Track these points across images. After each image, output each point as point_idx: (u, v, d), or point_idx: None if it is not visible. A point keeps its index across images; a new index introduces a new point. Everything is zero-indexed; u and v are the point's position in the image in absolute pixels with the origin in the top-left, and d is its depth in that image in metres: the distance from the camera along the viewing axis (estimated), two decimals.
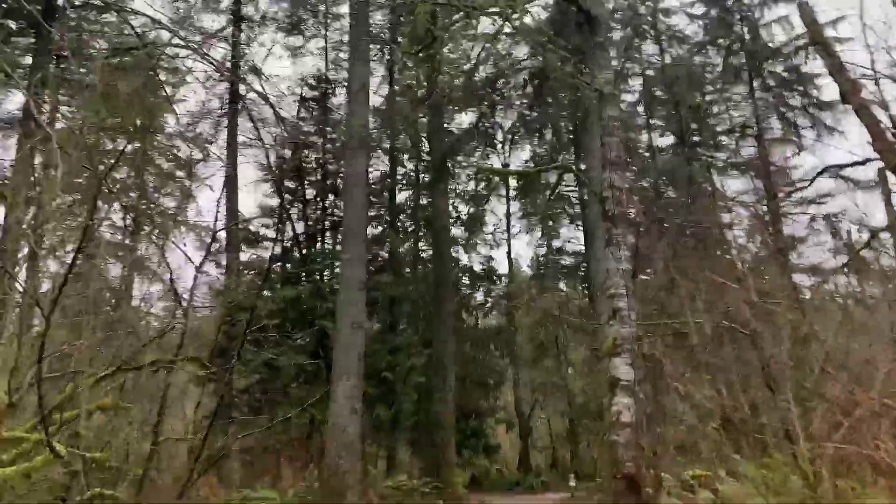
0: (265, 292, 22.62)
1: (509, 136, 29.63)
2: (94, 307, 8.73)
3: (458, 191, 30.59)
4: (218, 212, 20.80)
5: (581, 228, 34.14)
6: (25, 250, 10.93)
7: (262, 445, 16.64)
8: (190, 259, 11.17)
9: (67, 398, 6.75)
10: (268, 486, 12.31)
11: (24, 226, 10.61)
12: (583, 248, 35.40)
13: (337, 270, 21.75)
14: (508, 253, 36.57)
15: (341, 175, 22.83)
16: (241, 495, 10.96)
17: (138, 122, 21.54)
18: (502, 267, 37.08)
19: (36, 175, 16.81)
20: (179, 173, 24.13)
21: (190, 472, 10.23)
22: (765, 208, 21.84)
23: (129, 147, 22.55)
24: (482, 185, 30.84)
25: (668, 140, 29.67)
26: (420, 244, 28.89)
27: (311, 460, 14.51)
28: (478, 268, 35.90)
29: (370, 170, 20.17)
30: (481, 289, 37.26)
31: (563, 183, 29.67)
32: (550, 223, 33.42)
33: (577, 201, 32.73)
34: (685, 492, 7.13)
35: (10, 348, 6.72)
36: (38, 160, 17.12)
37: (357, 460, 12.86)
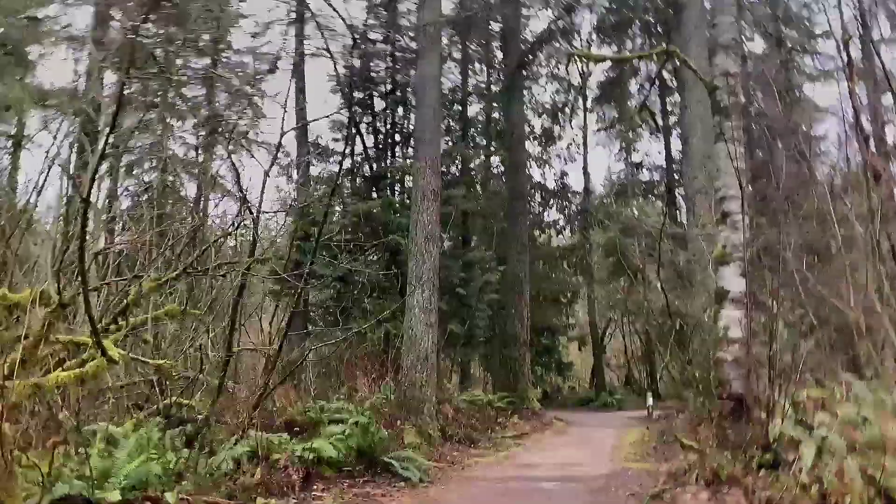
0: (336, 207, 22.42)
1: (589, 41, 27.70)
2: (158, 216, 8.41)
3: (532, 102, 29.22)
4: (285, 120, 20.32)
5: (661, 139, 32.45)
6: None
7: (337, 358, 16.64)
8: (260, 164, 10.68)
9: (132, 302, 6.47)
10: (343, 398, 12.16)
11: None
12: (663, 163, 33.87)
13: (408, 184, 21.18)
14: (585, 168, 35.18)
15: (410, 87, 21.92)
16: (317, 406, 10.79)
17: (207, 36, 21.14)
18: (576, 184, 35.82)
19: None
20: (248, 89, 23.72)
21: (265, 383, 10.08)
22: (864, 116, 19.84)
23: (198, 62, 22.28)
24: (560, 94, 29.32)
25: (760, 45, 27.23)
26: (492, 159, 27.91)
27: (387, 374, 14.33)
28: (551, 185, 34.90)
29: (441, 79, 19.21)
30: (554, 206, 36.29)
31: (645, 91, 27.91)
32: (631, 133, 31.64)
33: (660, 111, 30.98)
34: (800, 414, 6.35)
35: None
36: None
37: (433, 373, 12.57)
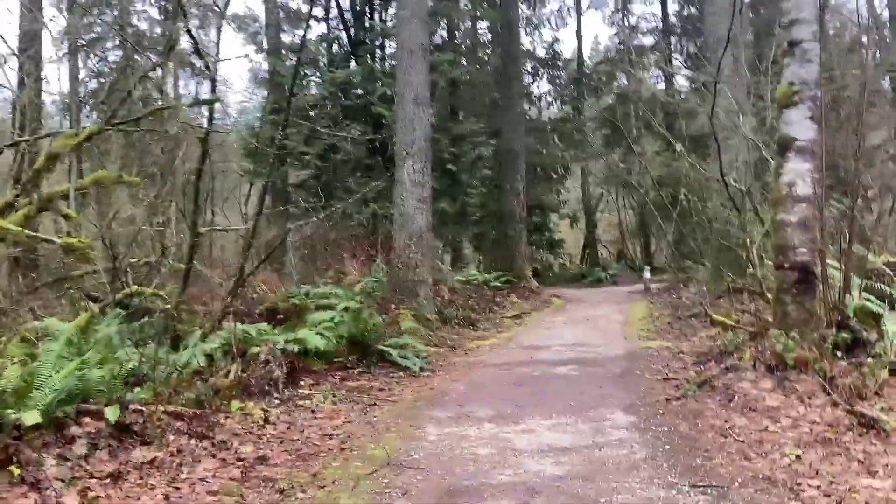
0: (312, 77, 20.61)
1: None
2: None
3: None
4: None
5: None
6: None
7: (322, 241, 15.55)
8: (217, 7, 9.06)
9: (43, 167, 5.15)
10: (332, 282, 11.11)
11: None
12: (660, 24, 31.66)
13: (390, 48, 19.34)
14: (578, 30, 32.99)
15: None
16: (302, 291, 9.75)
17: None
18: (567, 52, 33.71)
19: None
20: None
21: (241, 266, 8.97)
22: None
23: None
24: None
25: None
26: (479, 24, 25.70)
27: (377, 255, 13.26)
28: (541, 52, 32.79)
29: None
30: (545, 76, 34.36)
31: None
32: None
33: None
34: (877, 283, 5.31)
35: None
36: None
37: (427, 252, 11.47)
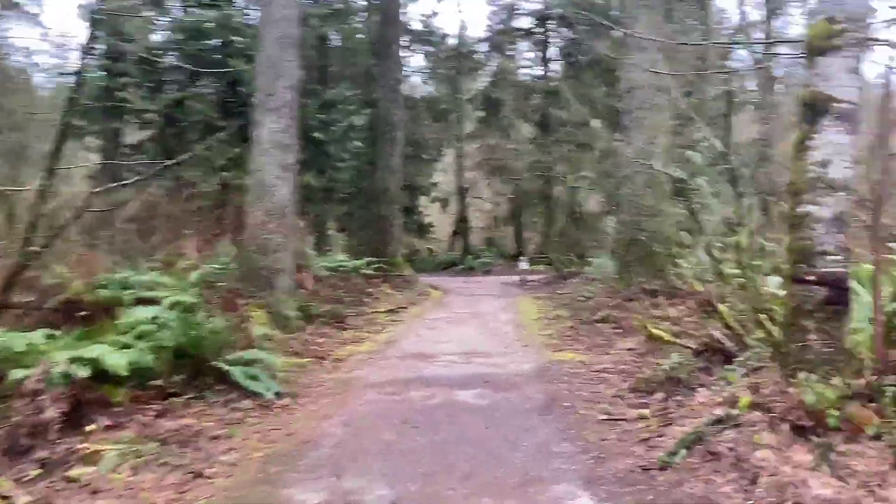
0: (160, 20, 17.47)
1: None
2: None
3: None
4: None
5: None
6: None
7: (161, 214, 12.83)
8: None
9: None
10: (161, 267, 8.61)
11: None
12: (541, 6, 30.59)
13: None
14: (458, 6, 31.38)
15: None
16: (117, 279, 7.28)
17: None
18: (447, 27, 32.12)
19: None
20: None
21: (25, 240, 6.46)
22: None
23: None
24: None
25: None
26: None
27: (224, 234, 10.86)
28: (417, 26, 30.94)
29: None
30: (419, 52, 32.63)
31: None
32: None
33: None
34: None
35: None
36: None
37: (290, 233, 9.25)
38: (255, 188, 9.01)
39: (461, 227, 32.53)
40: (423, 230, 30.55)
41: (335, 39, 21.98)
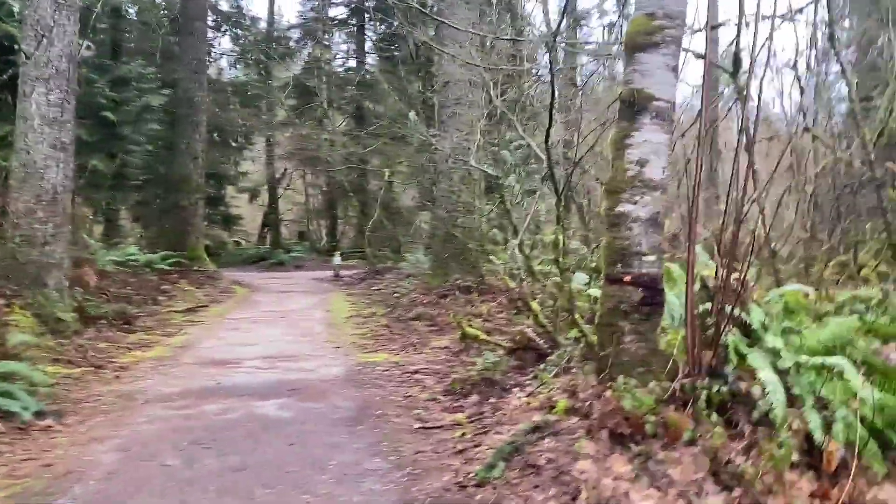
0: None
1: None
2: None
3: None
4: None
5: None
6: None
7: None
8: None
9: None
10: None
11: None
12: None
13: None
14: None
15: None
16: None
17: None
18: (257, 9, 30.79)
19: None
20: None
21: None
22: None
23: None
24: None
25: None
26: None
27: None
28: (224, 6, 29.25)
29: None
30: (227, 34, 30.82)
31: None
32: None
33: None
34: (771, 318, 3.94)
35: None
36: None
37: (64, 222, 8.00)
38: (20, 170, 7.67)
39: (272, 219, 31.22)
40: (229, 222, 28.90)
41: (132, 12, 20.05)
